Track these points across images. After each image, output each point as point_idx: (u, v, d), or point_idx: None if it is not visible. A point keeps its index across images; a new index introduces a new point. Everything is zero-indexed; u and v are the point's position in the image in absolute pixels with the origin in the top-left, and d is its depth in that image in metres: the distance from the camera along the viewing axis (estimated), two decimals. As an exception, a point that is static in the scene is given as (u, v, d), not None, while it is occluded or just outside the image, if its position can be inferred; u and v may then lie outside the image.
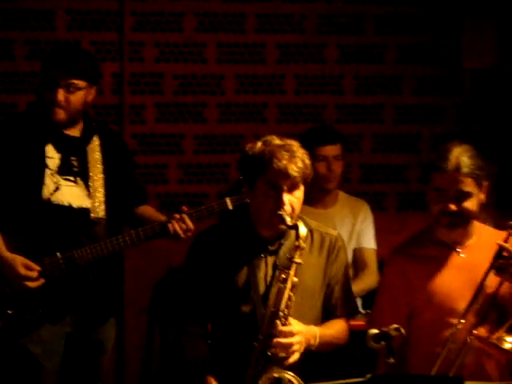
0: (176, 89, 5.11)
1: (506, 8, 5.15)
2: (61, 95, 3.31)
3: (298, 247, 2.68)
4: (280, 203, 2.70)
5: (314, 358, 2.86)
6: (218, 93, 5.17)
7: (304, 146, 4.10)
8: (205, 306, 2.82)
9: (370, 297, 4.17)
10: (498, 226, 3.17)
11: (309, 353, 2.78)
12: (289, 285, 2.67)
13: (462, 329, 2.91)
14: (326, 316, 2.89)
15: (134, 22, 5.00)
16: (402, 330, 2.56)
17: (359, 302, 4.16)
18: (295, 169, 2.70)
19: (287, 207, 2.71)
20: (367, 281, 4.10)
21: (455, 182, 2.92)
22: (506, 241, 2.90)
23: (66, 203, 3.35)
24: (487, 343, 2.80)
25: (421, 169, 5.35)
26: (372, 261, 4.15)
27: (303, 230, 2.70)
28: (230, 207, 3.25)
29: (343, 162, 4.13)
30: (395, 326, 2.58)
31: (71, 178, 3.38)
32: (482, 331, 2.86)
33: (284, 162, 2.70)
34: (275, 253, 2.81)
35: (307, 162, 2.77)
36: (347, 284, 2.94)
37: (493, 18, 5.23)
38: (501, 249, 2.87)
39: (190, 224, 3.31)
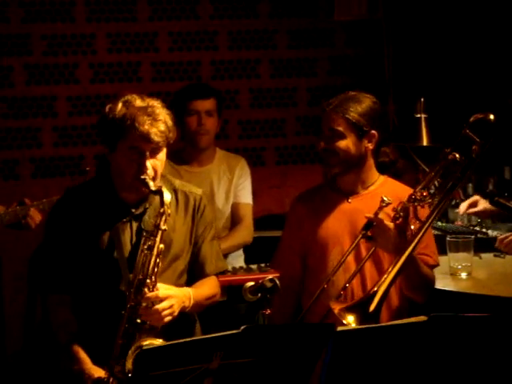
0: (45, 49, 4.96)
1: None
2: None
3: (163, 213, 2.64)
4: (143, 168, 2.64)
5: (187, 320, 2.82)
6: (89, 52, 5.03)
7: (177, 102, 4.08)
8: (68, 272, 2.73)
9: (251, 251, 4.19)
10: None
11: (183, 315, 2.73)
12: (155, 252, 2.62)
13: (336, 279, 2.97)
14: (194, 275, 2.83)
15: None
16: (277, 281, 2.57)
17: (241, 258, 4.17)
18: (158, 133, 2.61)
19: (150, 171, 2.64)
20: (240, 235, 4.07)
21: (329, 120, 3.00)
22: (377, 213, 2.86)
23: None
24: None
25: (298, 122, 5.38)
26: (247, 215, 4.12)
27: (167, 196, 2.65)
28: None
29: (217, 119, 4.05)
30: (270, 277, 2.59)
31: None
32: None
33: (146, 126, 2.59)
34: (139, 217, 2.73)
35: (170, 123, 2.67)
36: (214, 242, 2.90)
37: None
38: (370, 221, 2.86)
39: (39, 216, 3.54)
